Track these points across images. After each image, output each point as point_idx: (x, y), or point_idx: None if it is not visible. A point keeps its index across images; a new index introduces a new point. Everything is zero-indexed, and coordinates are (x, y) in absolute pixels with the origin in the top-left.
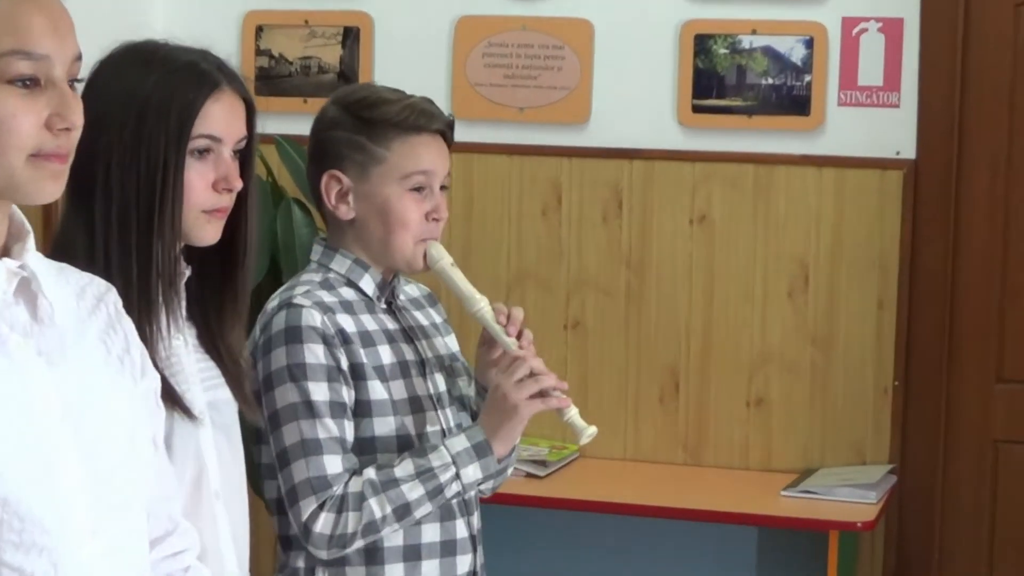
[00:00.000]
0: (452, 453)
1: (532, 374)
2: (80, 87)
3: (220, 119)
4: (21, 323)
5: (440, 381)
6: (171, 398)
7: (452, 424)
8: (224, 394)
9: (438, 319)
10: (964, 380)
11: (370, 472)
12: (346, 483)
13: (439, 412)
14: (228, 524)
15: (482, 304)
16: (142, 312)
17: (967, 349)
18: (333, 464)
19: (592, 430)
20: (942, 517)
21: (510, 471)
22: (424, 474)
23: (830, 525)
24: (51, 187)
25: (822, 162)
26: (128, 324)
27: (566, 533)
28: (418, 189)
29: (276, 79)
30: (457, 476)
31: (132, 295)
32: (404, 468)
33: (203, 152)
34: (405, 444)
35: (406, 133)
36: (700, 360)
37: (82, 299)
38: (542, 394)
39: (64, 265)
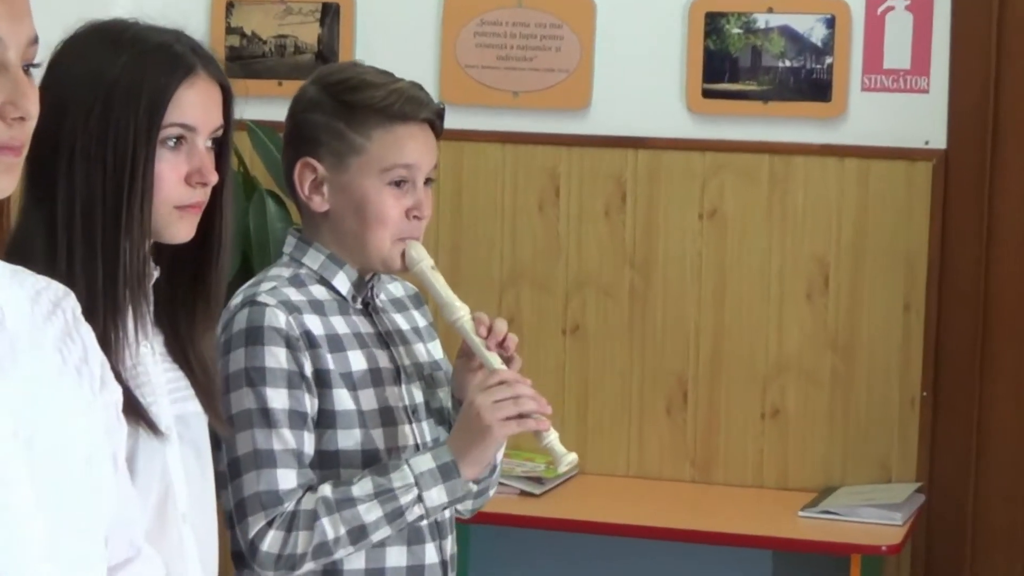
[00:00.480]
0: (415, 473)
1: (513, 395)
2: (37, 73)
3: (194, 106)
4: None
5: (417, 391)
6: (135, 412)
7: (428, 439)
8: (193, 406)
9: (422, 323)
10: (998, 390)
11: (325, 489)
12: (299, 500)
13: (413, 426)
14: (196, 548)
15: (462, 313)
16: (107, 317)
17: (1001, 356)
18: (286, 479)
19: (572, 458)
20: (973, 540)
21: (492, 492)
22: (383, 495)
23: (852, 549)
24: (3, 182)
25: (844, 152)
26: (87, 332)
27: (564, 556)
28: (399, 183)
29: (248, 60)
30: (419, 499)
31: (96, 299)
32: (362, 487)
33: (176, 142)
34: (372, 459)
35: (390, 121)
36: (710, 367)
37: (37, 304)
38: (520, 416)
39: (18, 268)
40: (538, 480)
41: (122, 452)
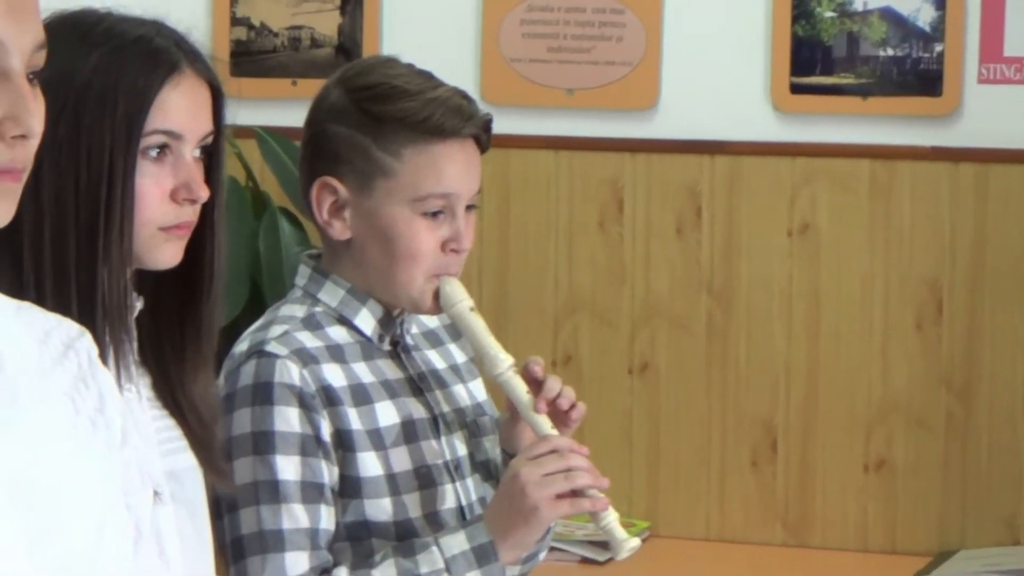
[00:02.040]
0: (446, 557)
1: (565, 467)
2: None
3: (180, 110)
4: None
5: (459, 443)
6: None
7: (474, 498)
8: (186, 460)
9: (460, 359)
10: None
11: (340, 573)
12: None
13: (457, 484)
14: None
15: (507, 366)
16: None
17: None
18: (296, 564)
19: (634, 543)
20: None
21: (542, 556)
22: None
23: None
24: (2, 209)
25: (958, 156)
26: (105, 378)
27: None
28: (434, 214)
29: (257, 56)
30: None
31: None
32: (384, 572)
33: (159, 153)
34: (407, 529)
35: (425, 140)
36: (803, 412)
37: (45, 346)
38: (573, 493)
39: (25, 304)
40: (602, 545)
41: (146, 518)
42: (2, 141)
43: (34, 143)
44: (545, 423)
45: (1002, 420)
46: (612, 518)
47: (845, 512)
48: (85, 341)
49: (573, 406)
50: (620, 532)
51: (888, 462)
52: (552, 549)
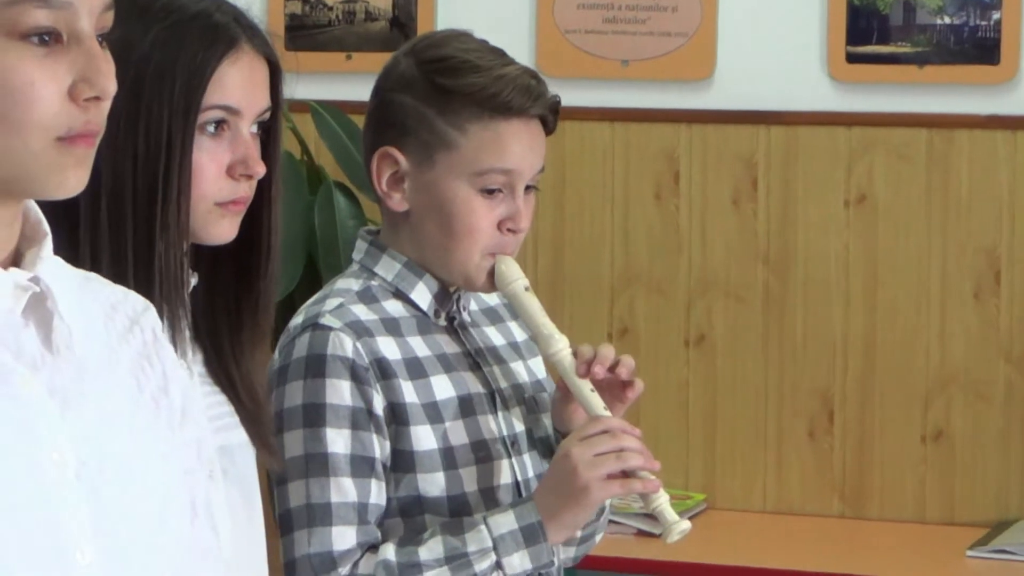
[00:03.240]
0: (494, 536)
1: (616, 447)
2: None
3: (238, 86)
4: (29, 352)
5: (517, 419)
6: None
7: (531, 475)
8: (239, 436)
9: (520, 337)
10: None
11: (388, 550)
12: (356, 562)
13: (513, 460)
14: None
15: (561, 346)
16: None
17: None
18: (343, 538)
19: (685, 526)
20: None
21: (598, 537)
22: (456, 560)
23: None
24: (76, 177)
25: (1016, 124)
26: (168, 355)
27: None
28: (493, 192)
29: (312, 30)
30: (498, 566)
31: None
32: (431, 549)
33: (216, 128)
34: (461, 505)
35: (491, 116)
36: (860, 383)
37: (111, 320)
38: (624, 474)
39: (91, 275)
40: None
41: (203, 498)
42: (76, 104)
43: (107, 105)
44: (598, 403)
45: None
46: (663, 500)
47: (903, 483)
48: (150, 316)
49: (630, 384)
50: (671, 514)
51: (946, 433)
52: (609, 522)
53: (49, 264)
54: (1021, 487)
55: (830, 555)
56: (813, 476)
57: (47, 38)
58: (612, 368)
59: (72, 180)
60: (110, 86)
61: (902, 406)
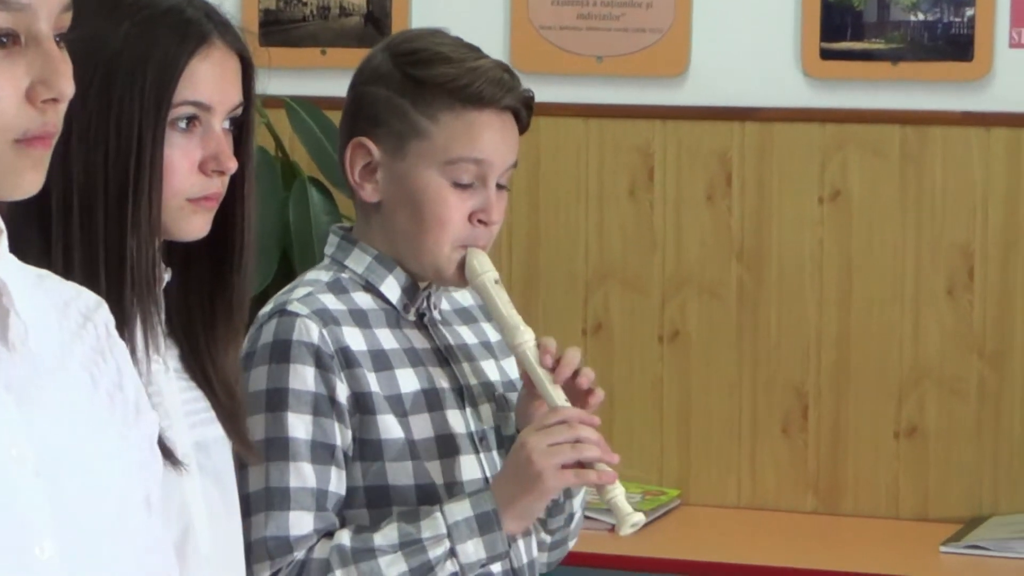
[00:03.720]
0: (449, 523)
1: (572, 438)
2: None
3: (209, 82)
4: None
5: (486, 416)
6: None
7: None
8: (214, 431)
9: (494, 337)
10: None
11: (343, 536)
12: (311, 547)
13: (482, 455)
14: None
15: (527, 338)
16: None
17: None
18: (299, 523)
19: (638, 518)
20: None
21: (571, 543)
22: (410, 546)
23: None
24: (32, 179)
25: (990, 121)
26: (121, 351)
27: None
28: (464, 186)
29: (286, 25)
30: (452, 553)
31: None
32: (386, 535)
33: (188, 123)
34: (428, 496)
35: (464, 106)
36: (834, 379)
37: (65, 317)
38: (579, 464)
39: (45, 273)
40: None
41: (156, 492)
42: (33, 107)
43: (63, 106)
44: (559, 395)
45: None
46: (619, 492)
47: (876, 479)
48: (103, 312)
49: (591, 392)
50: (625, 507)
51: (919, 428)
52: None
53: (4, 261)
54: (994, 483)
55: (804, 550)
56: (787, 472)
57: (4, 40)
58: (574, 376)
59: (28, 182)
60: (68, 88)
61: (876, 402)
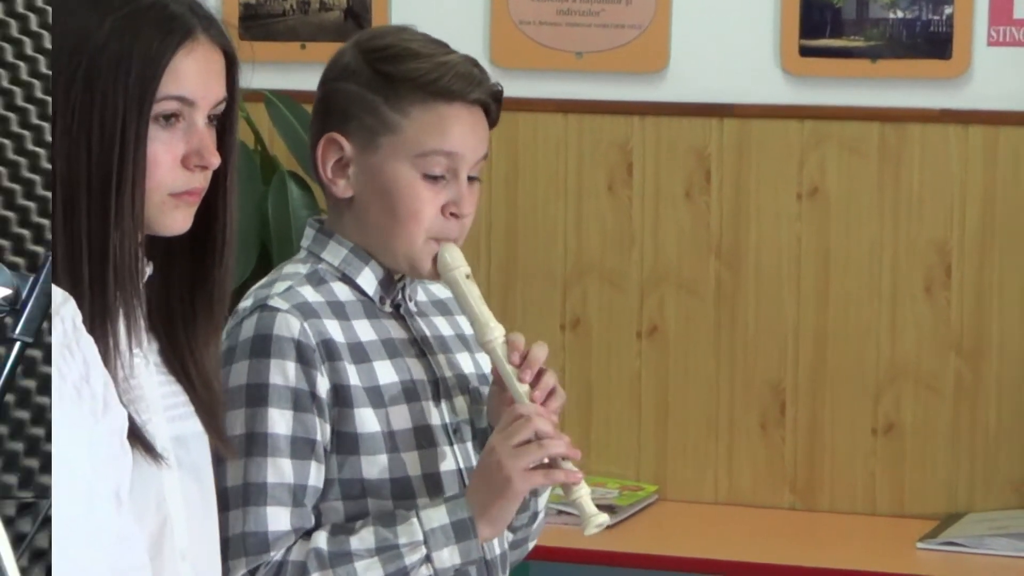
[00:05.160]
0: (425, 530)
1: (534, 433)
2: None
3: (192, 77)
4: None
5: (460, 408)
6: (131, 432)
7: (474, 463)
8: (193, 426)
9: (468, 330)
10: None
11: (320, 539)
12: (288, 548)
13: (456, 447)
14: None
15: (496, 334)
16: (95, 323)
17: None
18: (277, 519)
19: (602, 519)
20: None
21: (532, 544)
22: (386, 551)
23: None
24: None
25: (968, 118)
26: (88, 345)
27: None
28: (436, 178)
29: (266, 19)
30: (428, 559)
31: (83, 301)
32: (363, 539)
33: (170, 119)
34: (403, 488)
35: (433, 100)
36: (811, 376)
37: None
38: (546, 465)
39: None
40: (609, 508)
41: (125, 486)
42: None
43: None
44: (524, 392)
45: (1010, 384)
46: (584, 492)
47: (853, 475)
48: (70, 307)
49: (551, 393)
50: (590, 507)
51: (896, 425)
52: (559, 512)
53: None
54: (971, 480)
55: (781, 547)
56: (764, 468)
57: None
58: (540, 375)
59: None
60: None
61: (853, 398)
